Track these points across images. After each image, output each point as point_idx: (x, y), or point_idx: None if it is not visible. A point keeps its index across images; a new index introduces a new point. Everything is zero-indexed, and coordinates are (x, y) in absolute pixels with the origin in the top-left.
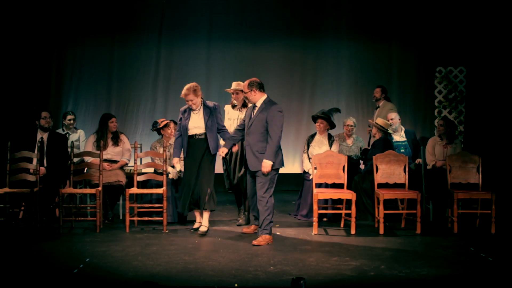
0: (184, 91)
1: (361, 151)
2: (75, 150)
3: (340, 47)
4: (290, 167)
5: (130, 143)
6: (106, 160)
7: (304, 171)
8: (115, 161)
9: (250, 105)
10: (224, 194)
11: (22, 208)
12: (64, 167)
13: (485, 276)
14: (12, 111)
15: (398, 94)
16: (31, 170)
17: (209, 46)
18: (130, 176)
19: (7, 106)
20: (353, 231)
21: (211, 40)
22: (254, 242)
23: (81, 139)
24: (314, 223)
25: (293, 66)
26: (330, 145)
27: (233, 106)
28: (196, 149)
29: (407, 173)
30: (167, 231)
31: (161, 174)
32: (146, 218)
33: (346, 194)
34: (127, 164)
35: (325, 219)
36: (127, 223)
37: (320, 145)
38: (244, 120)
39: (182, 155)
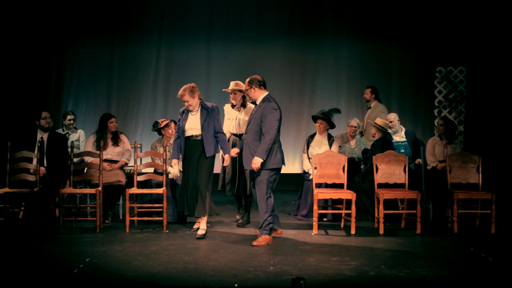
0: (180, 91)
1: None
2: (75, 150)
3: (340, 47)
4: (290, 167)
5: (130, 143)
6: (106, 160)
7: (304, 171)
8: (115, 161)
9: (248, 104)
10: (224, 194)
11: (22, 208)
12: (64, 167)
13: (485, 276)
14: (12, 111)
15: (398, 94)
16: (31, 170)
17: (209, 46)
18: (130, 176)
19: (7, 106)
20: (353, 231)
21: (211, 40)
22: (254, 243)
23: (81, 139)
24: (314, 223)
25: (293, 66)
26: (330, 145)
27: (233, 106)
28: (192, 151)
29: (407, 173)
30: (167, 231)
31: (161, 174)
32: (146, 218)
33: (346, 194)
34: (127, 164)
35: (325, 219)
36: (127, 223)
37: (320, 145)
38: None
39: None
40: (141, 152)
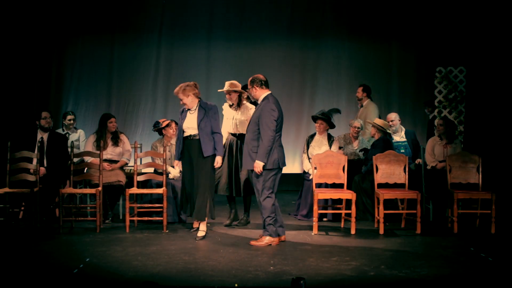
0: (175, 89)
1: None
2: (75, 150)
3: (340, 47)
4: (290, 167)
5: (130, 143)
6: (106, 160)
7: (304, 171)
8: (115, 161)
9: (245, 104)
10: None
11: (22, 208)
12: (64, 167)
13: (485, 276)
14: (12, 111)
15: (398, 94)
16: (31, 170)
17: (209, 46)
18: (130, 176)
19: (7, 106)
20: (353, 231)
21: (211, 40)
22: (252, 242)
23: (81, 139)
24: (314, 223)
25: (293, 66)
26: (330, 145)
27: (231, 105)
28: (190, 151)
29: (407, 173)
30: (167, 231)
31: (161, 174)
32: (146, 218)
33: (346, 194)
34: (127, 164)
35: (325, 219)
36: (127, 223)
37: (320, 145)
38: None
39: None
40: (141, 152)
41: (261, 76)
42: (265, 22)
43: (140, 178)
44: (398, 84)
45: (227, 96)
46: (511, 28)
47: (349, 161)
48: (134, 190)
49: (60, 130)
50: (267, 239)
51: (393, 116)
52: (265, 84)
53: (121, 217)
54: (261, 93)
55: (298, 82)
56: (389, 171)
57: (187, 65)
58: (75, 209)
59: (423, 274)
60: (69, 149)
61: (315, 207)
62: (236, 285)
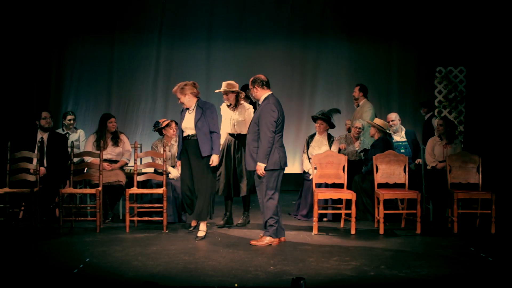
0: (174, 88)
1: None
2: (75, 150)
3: (340, 47)
4: (290, 167)
5: (130, 143)
6: (106, 160)
7: (304, 171)
8: (115, 161)
9: (242, 104)
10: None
11: (22, 208)
12: (64, 167)
13: (485, 276)
14: (12, 111)
15: (398, 94)
16: (31, 170)
17: (209, 45)
18: (130, 176)
19: (7, 106)
20: (353, 231)
21: (211, 39)
22: (252, 242)
23: (81, 139)
24: (314, 223)
25: (293, 66)
26: (330, 145)
27: (229, 105)
28: (189, 151)
29: (407, 173)
30: (167, 231)
31: (161, 174)
32: (146, 218)
33: (346, 194)
34: (127, 164)
35: (325, 219)
36: (127, 223)
37: (320, 145)
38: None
39: None
40: (141, 152)
41: (262, 77)
42: (265, 22)
43: (140, 178)
44: (398, 84)
45: (224, 96)
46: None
47: (349, 161)
48: (134, 190)
49: (60, 130)
50: (267, 239)
51: (394, 116)
52: (266, 84)
53: (121, 217)
54: (262, 94)
55: (298, 82)
56: (389, 171)
57: (187, 65)
58: (75, 209)
59: (423, 274)
60: (69, 149)
61: (315, 207)
62: (236, 285)
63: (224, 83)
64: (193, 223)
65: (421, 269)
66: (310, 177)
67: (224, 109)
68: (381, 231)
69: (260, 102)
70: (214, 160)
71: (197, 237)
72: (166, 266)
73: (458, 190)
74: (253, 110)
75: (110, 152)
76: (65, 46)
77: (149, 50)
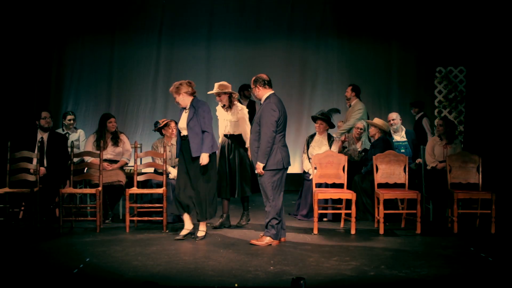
0: (170, 88)
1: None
2: (75, 150)
3: (340, 47)
4: (290, 167)
5: (130, 143)
6: (106, 160)
7: (304, 171)
8: (115, 161)
9: (236, 104)
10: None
11: (22, 208)
12: (64, 167)
13: (485, 276)
14: (12, 111)
15: (398, 94)
16: (31, 170)
17: (209, 45)
18: (130, 176)
19: (7, 106)
20: (353, 231)
21: (211, 39)
22: (253, 241)
23: (81, 139)
24: (314, 223)
25: (293, 65)
26: (330, 145)
27: (224, 106)
28: (184, 151)
29: (407, 173)
30: (167, 231)
31: (161, 174)
32: (146, 218)
33: (346, 194)
34: (127, 164)
35: (325, 219)
36: (127, 223)
37: (320, 145)
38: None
39: None
40: (141, 152)
41: (264, 76)
42: (265, 22)
43: (140, 178)
44: (398, 84)
45: (217, 98)
46: (511, 28)
47: (350, 162)
48: (134, 190)
49: (60, 130)
50: (267, 239)
51: (395, 116)
52: (268, 83)
53: (121, 217)
54: (264, 93)
55: (298, 82)
56: (389, 171)
57: (187, 65)
58: (75, 209)
59: (423, 274)
60: (69, 149)
61: (315, 207)
62: (236, 285)
63: (216, 84)
64: (184, 232)
65: (421, 269)
66: (310, 177)
67: (219, 111)
68: (381, 231)
69: (262, 102)
70: (203, 158)
71: (197, 237)
72: (166, 266)
73: (458, 190)
74: (247, 110)
75: (110, 152)
76: (65, 46)
77: (149, 50)
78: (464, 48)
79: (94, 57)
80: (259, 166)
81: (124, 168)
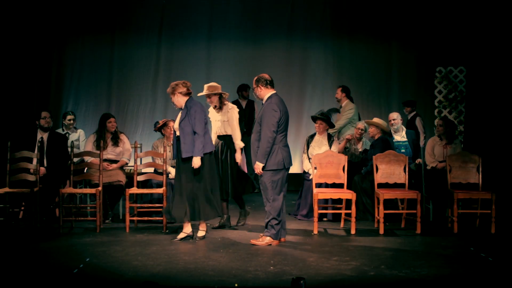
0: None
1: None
2: (75, 150)
3: (340, 47)
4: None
5: (130, 143)
6: (106, 160)
7: (304, 171)
8: (115, 161)
9: (226, 104)
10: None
11: (22, 208)
12: (64, 167)
13: (485, 276)
14: (12, 111)
15: (398, 94)
16: (31, 170)
17: (209, 45)
18: (130, 176)
19: (7, 106)
20: (353, 231)
21: (211, 39)
22: (253, 241)
23: (81, 139)
24: (314, 223)
25: (293, 65)
26: (330, 145)
27: (215, 107)
28: (179, 152)
29: (407, 173)
30: (167, 231)
31: (161, 174)
32: (146, 218)
33: (346, 194)
34: (127, 164)
35: (325, 219)
36: (127, 223)
37: (320, 145)
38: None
39: None
40: (141, 152)
41: (266, 76)
42: (265, 22)
43: (140, 178)
44: (398, 84)
45: (207, 99)
46: (511, 28)
47: (350, 162)
48: (134, 190)
49: (60, 130)
50: (267, 239)
51: (395, 115)
52: (270, 83)
53: (121, 217)
54: (266, 93)
55: (298, 82)
56: (389, 171)
57: (187, 65)
58: (75, 209)
59: (423, 274)
60: (69, 149)
61: (315, 207)
62: (236, 285)
63: (205, 86)
64: (181, 235)
65: (421, 269)
66: (310, 177)
67: (211, 112)
68: (381, 231)
69: (263, 102)
70: (194, 162)
71: (197, 237)
72: (166, 266)
73: (458, 190)
74: (237, 110)
75: (110, 152)
76: (65, 46)
77: (149, 50)
78: (464, 48)
79: (94, 57)
80: (258, 166)
81: (124, 168)
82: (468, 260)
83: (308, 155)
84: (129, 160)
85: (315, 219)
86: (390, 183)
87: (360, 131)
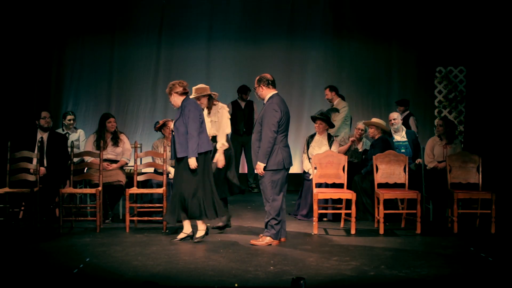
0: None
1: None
2: (75, 150)
3: (340, 47)
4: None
5: (130, 143)
6: (106, 160)
7: (304, 171)
8: (115, 161)
9: (216, 104)
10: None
11: (22, 208)
12: (64, 167)
13: (485, 276)
14: (12, 111)
15: (398, 94)
16: (31, 170)
17: (209, 45)
18: (130, 176)
19: (7, 106)
20: (353, 231)
21: (211, 39)
22: (252, 241)
23: (81, 139)
24: (314, 223)
25: (293, 65)
26: (330, 145)
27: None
28: (174, 152)
29: (407, 173)
30: (167, 231)
31: (161, 174)
32: (146, 218)
33: (346, 194)
34: (127, 164)
35: (325, 219)
36: (127, 223)
37: (320, 145)
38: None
39: None
40: (141, 152)
41: (268, 76)
42: (265, 22)
43: (140, 178)
44: (398, 84)
45: (197, 102)
46: (511, 28)
47: (350, 162)
48: (134, 190)
49: (60, 130)
50: (267, 239)
51: (396, 115)
52: (271, 84)
53: (121, 217)
54: (267, 93)
55: (298, 82)
56: (389, 171)
57: (187, 65)
58: (75, 209)
59: (423, 274)
60: (69, 149)
61: (315, 207)
62: (236, 285)
63: (193, 88)
64: (181, 235)
65: (421, 269)
66: (310, 177)
67: (204, 113)
68: (381, 231)
69: (265, 102)
70: (190, 163)
71: (195, 238)
72: (166, 266)
73: (458, 190)
74: (228, 110)
75: (110, 152)
76: (65, 46)
77: (149, 50)
78: (464, 48)
79: (94, 57)
80: (260, 166)
81: (124, 168)
82: (468, 260)
83: (308, 155)
84: (129, 160)
85: (315, 219)
86: (390, 183)
87: (360, 131)
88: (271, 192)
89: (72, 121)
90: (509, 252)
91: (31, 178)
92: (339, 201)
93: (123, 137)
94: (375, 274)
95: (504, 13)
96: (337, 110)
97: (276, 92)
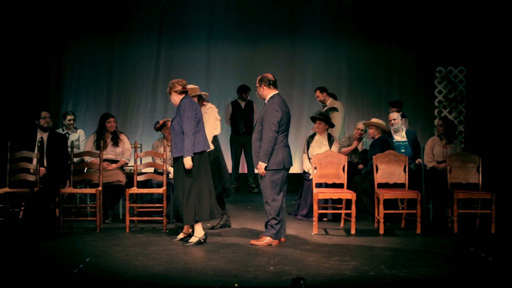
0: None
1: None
2: (75, 150)
3: (340, 47)
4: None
5: (130, 143)
6: (106, 160)
7: (304, 171)
8: (116, 161)
9: (205, 104)
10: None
11: (22, 208)
12: (64, 167)
13: (485, 276)
14: (12, 111)
15: (398, 94)
16: (31, 170)
17: (209, 45)
18: (130, 176)
19: (7, 106)
20: (353, 231)
21: (211, 39)
22: (252, 241)
23: (81, 139)
24: (314, 223)
25: (293, 66)
26: (330, 145)
27: None
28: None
29: (407, 173)
30: (167, 231)
31: (161, 174)
32: (146, 218)
33: (346, 194)
34: (127, 164)
35: (325, 219)
36: (127, 223)
37: (320, 145)
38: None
39: None
40: (141, 152)
41: (269, 76)
42: (265, 22)
43: (140, 178)
44: (398, 84)
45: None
46: (511, 28)
47: (350, 162)
48: (134, 190)
49: (60, 130)
50: (267, 239)
51: (396, 115)
52: (273, 84)
53: (121, 217)
54: (268, 93)
55: (298, 82)
56: (389, 171)
57: (187, 65)
58: (75, 209)
59: (423, 274)
60: (69, 149)
61: (315, 207)
62: (236, 285)
63: None
64: (181, 236)
65: (421, 269)
66: (310, 177)
67: None
68: (381, 231)
69: (265, 101)
70: (185, 162)
71: (187, 243)
72: (166, 266)
73: (458, 190)
74: (217, 110)
75: (110, 152)
76: (65, 46)
77: (149, 50)
78: (464, 48)
79: (94, 57)
80: (261, 166)
81: (124, 168)
82: (468, 260)
83: (308, 155)
84: (129, 160)
85: (315, 219)
86: (390, 183)
87: (360, 131)
88: (271, 192)
89: (72, 121)
90: (509, 252)
91: (31, 178)
92: (339, 201)
93: (123, 137)
94: (375, 274)
95: (504, 13)
96: (335, 109)
97: (277, 92)
